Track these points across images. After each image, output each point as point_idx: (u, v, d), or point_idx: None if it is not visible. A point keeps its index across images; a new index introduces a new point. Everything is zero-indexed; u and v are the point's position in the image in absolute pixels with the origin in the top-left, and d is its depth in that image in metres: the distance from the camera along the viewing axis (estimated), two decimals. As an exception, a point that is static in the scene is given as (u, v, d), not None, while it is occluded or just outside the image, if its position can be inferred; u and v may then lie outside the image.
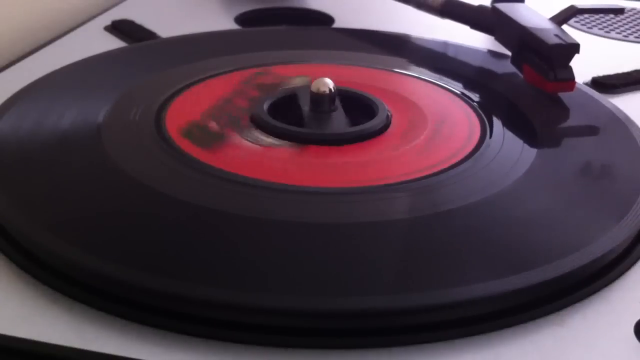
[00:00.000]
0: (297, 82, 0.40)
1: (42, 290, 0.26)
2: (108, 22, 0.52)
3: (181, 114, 0.37)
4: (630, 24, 0.59)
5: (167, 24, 0.52)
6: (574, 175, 0.33)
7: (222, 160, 0.32)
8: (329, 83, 0.37)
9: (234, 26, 0.54)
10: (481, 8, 0.48)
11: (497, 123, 0.37)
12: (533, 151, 0.34)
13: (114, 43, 0.49)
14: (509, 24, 0.44)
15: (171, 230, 0.28)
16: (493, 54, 0.48)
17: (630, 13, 0.61)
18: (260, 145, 0.34)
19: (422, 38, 0.50)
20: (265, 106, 0.37)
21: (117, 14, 0.54)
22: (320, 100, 0.37)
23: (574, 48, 0.40)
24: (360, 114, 0.37)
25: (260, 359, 0.23)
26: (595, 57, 0.50)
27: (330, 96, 0.37)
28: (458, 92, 0.41)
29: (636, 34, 0.56)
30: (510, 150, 0.34)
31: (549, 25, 0.43)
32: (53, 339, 0.24)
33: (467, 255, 0.27)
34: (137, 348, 0.24)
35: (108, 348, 0.24)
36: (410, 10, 0.52)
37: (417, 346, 0.24)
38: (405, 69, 0.44)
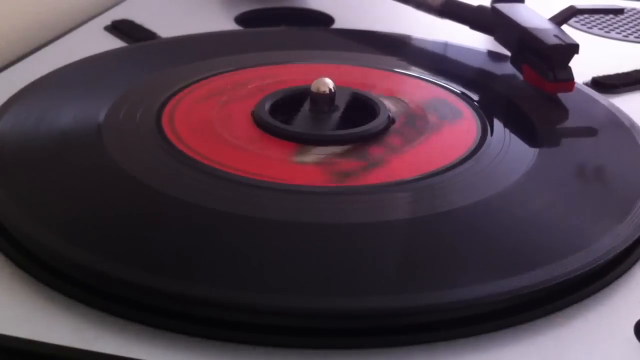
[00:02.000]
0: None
1: (42, 290, 0.26)
2: (108, 22, 0.52)
3: (181, 114, 0.37)
4: (630, 24, 0.59)
5: (167, 24, 0.52)
6: (574, 175, 0.33)
7: (222, 160, 0.32)
8: (329, 83, 0.37)
9: (234, 26, 0.54)
10: (481, 8, 0.48)
11: (497, 123, 0.37)
12: (534, 151, 0.34)
13: (114, 43, 0.49)
14: (508, 24, 0.44)
15: (171, 230, 0.28)
16: (493, 54, 0.48)
17: (630, 13, 0.61)
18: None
19: (422, 38, 0.50)
20: (267, 105, 0.37)
21: (117, 14, 0.54)
22: (320, 100, 0.37)
23: (573, 48, 0.40)
24: (361, 114, 0.37)
25: (260, 359, 0.23)
26: (595, 57, 0.50)
27: (330, 96, 0.37)
28: (458, 92, 0.41)
29: (636, 34, 0.56)
30: (510, 150, 0.34)
31: (549, 26, 0.43)
32: (53, 339, 0.24)
33: (467, 255, 0.27)
34: (137, 348, 0.24)
35: (108, 348, 0.23)
36: (410, 10, 0.52)
37: (417, 346, 0.24)
38: (405, 69, 0.44)
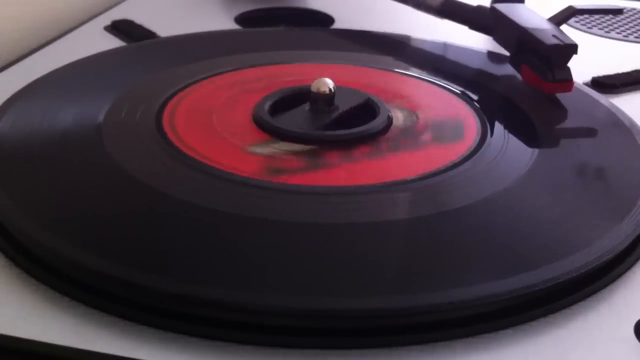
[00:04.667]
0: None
1: (42, 290, 0.26)
2: (108, 22, 0.52)
3: (181, 114, 0.37)
4: (630, 24, 0.59)
5: (167, 24, 0.52)
6: (574, 175, 0.33)
7: (221, 160, 0.32)
8: (329, 83, 0.37)
9: (234, 26, 0.54)
10: (480, 8, 0.48)
11: (497, 123, 0.37)
12: (534, 151, 0.34)
13: (114, 43, 0.49)
14: (507, 25, 0.44)
15: (171, 230, 0.28)
16: (494, 54, 0.48)
17: (630, 13, 0.61)
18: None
19: (422, 39, 0.50)
20: (266, 105, 0.37)
21: (117, 14, 0.54)
22: (320, 100, 0.37)
23: (572, 49, 0.40)
24: (361, 114, 0.37)
25: (260, 359, 0.23)
26: (595, 57, 0.50)
27: (330, 96, 0.37)
28: (458, 92, 0.41)
29: (636, 34, 0.56)
30: (510, 150, 0.34)
31: (547, 26, 0.43)
32: (53, 339, 0.24)
33: (467, 255, 0.27)
34: (137, 348, 0.24)
35: (108, 348, 0.23)
36: (410, 10, 0.52)
37: (417, 346, 0.24)
38: (405, 69, 0.44)
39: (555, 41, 0.40)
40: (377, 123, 0.36)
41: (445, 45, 0.49)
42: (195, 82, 0.41)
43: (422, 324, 0.25)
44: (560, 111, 0.40)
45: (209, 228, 0.28)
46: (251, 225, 0.28)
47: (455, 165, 0.33)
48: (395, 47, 0.49)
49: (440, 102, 0.40)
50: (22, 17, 0.52)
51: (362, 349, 0.24)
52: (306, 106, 0.37)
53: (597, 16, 0.59)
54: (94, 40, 0.49)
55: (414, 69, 0.44)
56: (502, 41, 0.46)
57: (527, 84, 0.42)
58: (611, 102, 0.41)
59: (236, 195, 0.30)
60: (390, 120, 0.37)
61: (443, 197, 0.31)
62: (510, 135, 0.36)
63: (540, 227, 0.29)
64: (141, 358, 0.23)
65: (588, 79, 0.45)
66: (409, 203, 0.31)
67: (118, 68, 0.43)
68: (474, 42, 0.49)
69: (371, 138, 0.35)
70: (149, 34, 0.50)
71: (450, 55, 0.48)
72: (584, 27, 0.57)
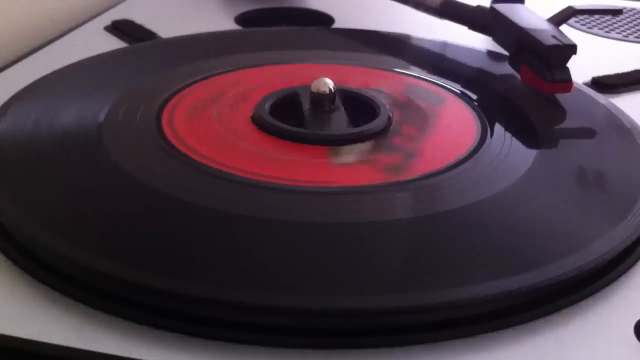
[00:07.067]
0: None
1: (42, 290, 0.26)
2: (108, 22, 0.52)
3: (181, 114, 0.37)
4: (630, 24, 0.59)
5: (167, 24, 0.52)
6: (574, 176, 0.33)
7: (221, 160, 0.32)
8: (329, 83, 0.37)
9: (234, 26, 0.54)
10: (479, 9, 0.48)
11: (497, 123, 0.37)
12: (533, 151, 0.34)
13: (114, 43, 0.49)
14: (506, 25, 0.44)
15: (171, 230, 0.28)
16: (493, 54, 0.48)
17: (630, 13, 0.61)
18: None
19: (422, 38, 0.50)
20: (266, 105, 0.37)
21: (117, 14, 0.54)
22: (320, 100, 0.37)
23: (571, 49, 0.40)
24: (361, 114, 0.37)
25: (260, 359, 0.23)
26: (595, 57, 0.50)
27: (331, 96, 0.37)
28: (458, 92, 0.41)
29: (636, 34, 0.56)
30: (510, 150, 0.34)
31: (547, 26, 0.42)
32: (53, 339, 0.24)
33: (467, 255, 0.27)
34: (137, 348, 0.24)
35: (108, 348, 0.24)
36: (410, 10, 0.52)
37: (417, 346, 0.24)
38: (405, 69, 0.44)
39: (554, 42, 0.40)
40: (377, 123, 0.36)
41: (445, 45, 0.49)
42: (195, 82, 0.41)
43: (422, 324, 0.25)
44: (560, 111, 0.40)
45: (209, 228, 0.28)
46: (251, 225, 0.28)
47: (454, 166, 0.33)
48: (395, 47, 0.49)
49: (439, 102, 0.40)
50: (22, 17, 0.52)
51: (362, 349, 0.24)
52: (306, 106, 0.37)
53: (597, 16, 0.59)
54: (94, 40, 0.49)
55: (413, 69, 0.44)
56: (502, 41, 0.46)
57: (526, 84, 0.42)
58: (611, 102, 0.41)
59: (236, 195, 0.30)
60: (390, 120, 0.37)
61: (443, 197, 0.31)
62: (510, 136, 0.36)
63: (539, 227, 0.29)
64: (141, 358, 0.23)
65: (588, 79, 0.46)
66: (409, 203, 0.31)
67: (118, 68, 0.43)
68: (474, 42, 0.49)
69: (371, 138, 0.35)
70: (149, 34, 0.50)
71: (450, 55, 0.48)
72: (584, 27, 0.57)
